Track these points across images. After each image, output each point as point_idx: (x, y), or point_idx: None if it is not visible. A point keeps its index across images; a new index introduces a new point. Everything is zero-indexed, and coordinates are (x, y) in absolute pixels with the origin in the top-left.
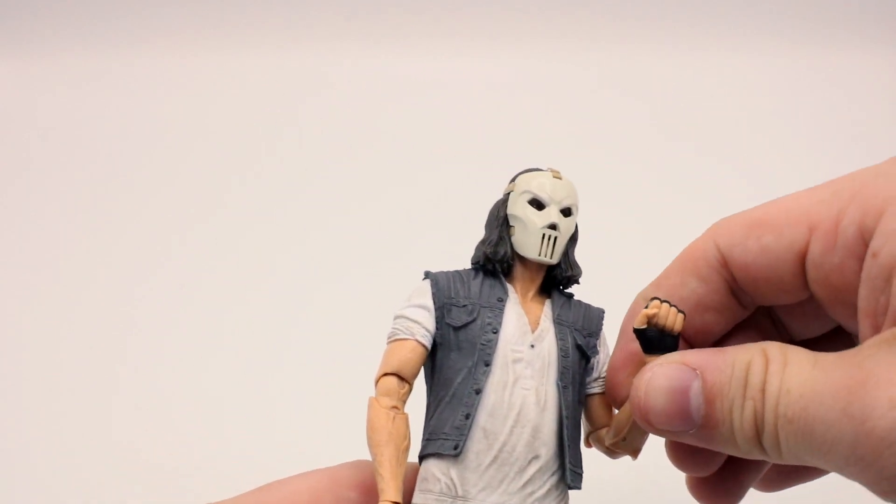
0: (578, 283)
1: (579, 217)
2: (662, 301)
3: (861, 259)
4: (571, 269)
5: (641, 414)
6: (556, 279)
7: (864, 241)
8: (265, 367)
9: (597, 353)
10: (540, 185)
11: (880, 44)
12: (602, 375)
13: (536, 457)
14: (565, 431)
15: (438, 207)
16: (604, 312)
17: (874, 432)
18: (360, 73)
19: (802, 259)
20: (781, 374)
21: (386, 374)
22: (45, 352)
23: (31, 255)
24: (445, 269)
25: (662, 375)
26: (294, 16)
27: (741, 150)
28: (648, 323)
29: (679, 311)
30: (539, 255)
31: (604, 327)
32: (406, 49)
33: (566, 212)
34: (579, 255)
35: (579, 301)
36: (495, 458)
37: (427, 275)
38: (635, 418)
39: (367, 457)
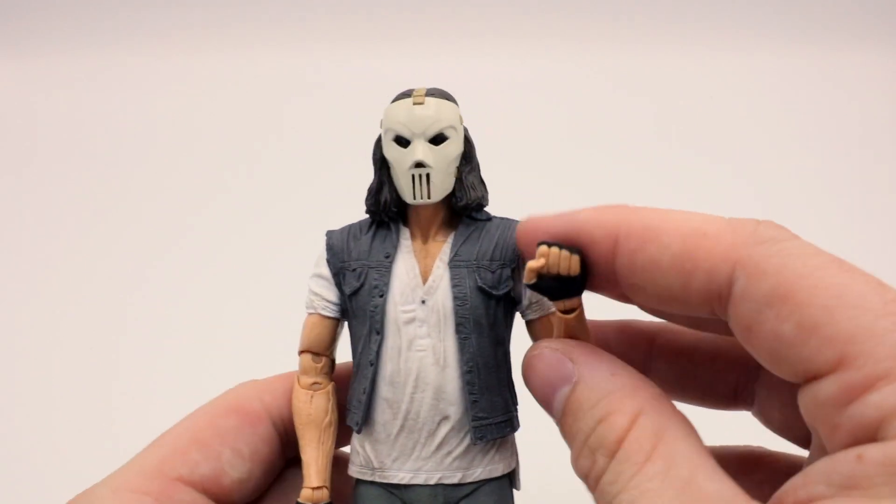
0: (485, 204)
1: None
2: (551, 245)
3: (854, 438)
4: (467, 196)
5: (525, 381)
6: (460, 209)
7: (878, 430)
8: (262, 364)
9: (510, 283)
10: (399, 119)
11: (880, 44)
12: (535, 300)
13: (446, 418)
14: (466, 387)
15: None
16: None
17: None
18: (355, 74)
19: (806, 381)
20: (636, 469)
21: (302, 352)
22: (42, 349)
23: (28, 253)
24: (348, 223)
25: (543, 361)
26: (290, 17)
27: (743, 149)
28: (539, 275)
29: (573, 250)
30: (414, 198)
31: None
32: (399, 50)
33: (437, 139)
34: None
35: (500, 221)
36: (402, 426)
37: (326, 235)
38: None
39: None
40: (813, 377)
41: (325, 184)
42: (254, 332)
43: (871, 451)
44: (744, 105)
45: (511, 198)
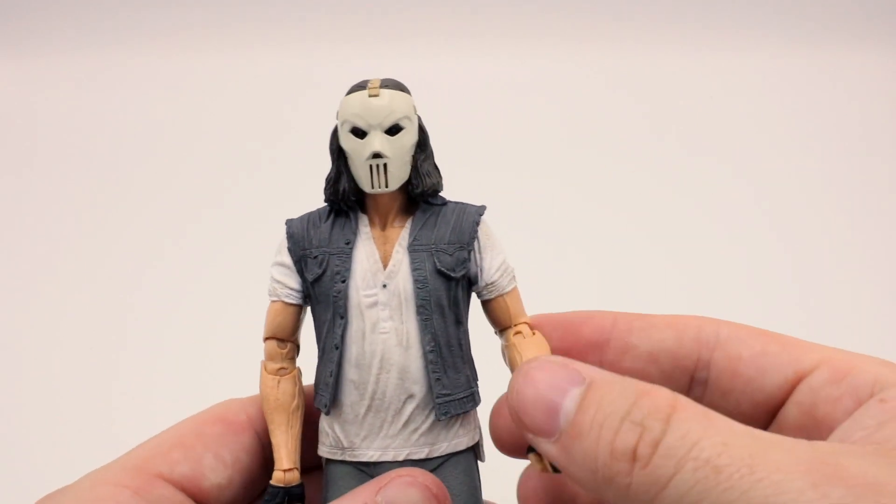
0: (440, 189)
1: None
2: None
3: (857, 401)
4: (423, 184)
5: (514, 406)
6: (416, 196)
7: (873, 390)
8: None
9: (468, 265)
10: (356, 111)
11: (880, 44)
12: (490, 281)
13: (411, 396)
14: (429, 366)
15: None
16: (480, 213)
17: None
18: (355, 74)
19: (798, 379)
20: (706, 423)
21: (267, 339)
22: (42, 349)
23: (28, 253)
24: (307, 212)
25: (546, 367)
26: (290, 17)
27: (743, 149)
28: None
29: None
30: (372, 187)
31: (487, 226)
32: (399, 50)
33: (393, 130)
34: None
35: (455, 205)
36: (369, 406)
37: (286, 224)
38: (509, 411)
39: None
40: (804, 374)
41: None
42: (253, 332)
43: (891, 392)
44: (744, 105)
45: (511, 197)
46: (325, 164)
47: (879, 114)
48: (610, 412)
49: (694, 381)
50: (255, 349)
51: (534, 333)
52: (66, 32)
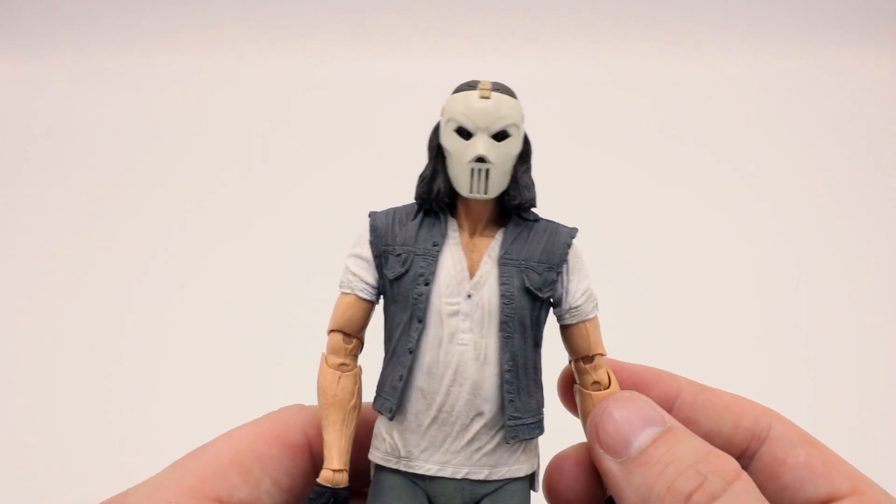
0: (535, 204)
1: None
2: None
3: None
4: (521, 196)
5: (596, 421)
6: (509, 207)
7: None
8: (263, 364)
9: (556, 288)
10: (464, 111)
11: (880, 44)
12: (574, 305)
13: (480, 413)
14: (505, 385)
15: None
16: (572, 236)
17: None
18: (352, 73)
19: (829, 501)
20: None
21: (332, 331)
22: (42, 349)
23: (28, 254)
24: (392, 206)
25: (633, 402)
26: (291, 17)
27: (745, 148)
28: None
29: None
30: (470, 191)
31: (577, 250)
32: (400, 50)
33: (500, 136)
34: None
35: (547, 224)
36: (435, 418)
37: (370, 216)
38: (591, 426)
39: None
40: (835, 498)
41: (324, 182)
42: (252, 332)
43: None
44: (744, 105)
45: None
46: (326, 164)
47: (880, 114)
48: (680, 456)
49: None
50: (255, 349)
51: (609, 384)
52: (66, 32)
